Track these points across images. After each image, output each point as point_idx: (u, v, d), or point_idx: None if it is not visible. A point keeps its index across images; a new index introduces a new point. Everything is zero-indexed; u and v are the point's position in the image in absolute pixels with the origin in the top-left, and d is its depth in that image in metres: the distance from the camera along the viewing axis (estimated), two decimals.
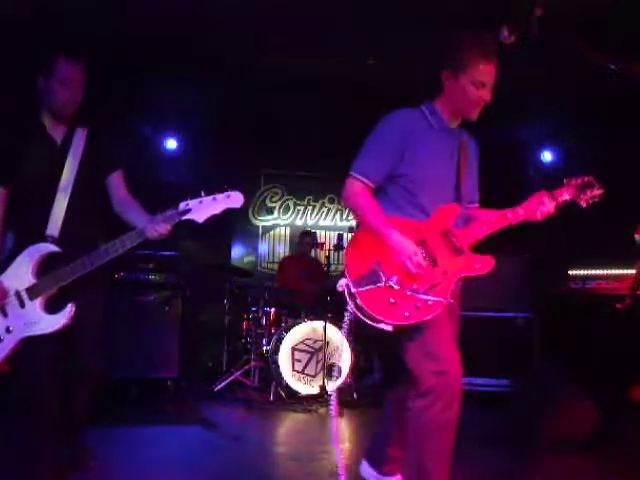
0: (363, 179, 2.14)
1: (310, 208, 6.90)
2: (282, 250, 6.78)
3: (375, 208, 2.10)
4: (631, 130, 5.12)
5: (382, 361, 5.24)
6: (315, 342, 4.84)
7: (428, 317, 1.98)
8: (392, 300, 1.98)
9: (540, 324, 4.83)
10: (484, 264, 2.07)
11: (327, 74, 5.74)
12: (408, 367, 2.07)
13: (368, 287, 1.99)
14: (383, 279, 1.99)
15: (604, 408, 3.52)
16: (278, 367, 4.70)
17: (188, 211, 2.20)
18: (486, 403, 4.61)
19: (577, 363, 4.10)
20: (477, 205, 2.35)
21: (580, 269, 4.97)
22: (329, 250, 5.25)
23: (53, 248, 2.32)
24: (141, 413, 4.22)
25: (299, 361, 4.78)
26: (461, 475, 2.87)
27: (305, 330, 4.86)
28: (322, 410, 4.46)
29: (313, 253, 6.09)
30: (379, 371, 5.44)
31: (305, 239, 5.94)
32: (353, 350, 4.85)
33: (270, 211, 6.75)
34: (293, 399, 4.67)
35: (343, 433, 4.04)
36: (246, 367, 5.09)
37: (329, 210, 6.94)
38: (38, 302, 2.28)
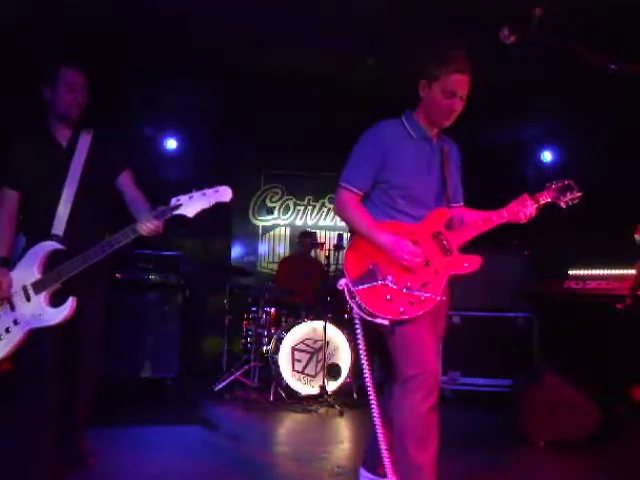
0: (350, 187, 2.29)
1: (310, 208, 6.90)
2: (282, 250, 6.78)
3: (363, 215, 2.27)
4: (631, 130, 5.12)
5: (381, 359, 5.24)
6: (315, 342, 4.84)
7: (421, 312, 2.14)
8: (388, 297, 2.13)
9: (540, 324, 4.84)
10: (471, 263, 2.24)
11: (327, 74, 5.75)
12: (393, 360, 2.22)
13: (366, 285, 2.15)
14: (379, 278, 2.15)
15: (604, 408, 3.52)
16: (278, 367, 4.70)
17: (179, 206, 2.29)
18: (486, 403, 4.61)
19: (577, 363, 4.10)
20: (461, 204, 2.50)
21: (580, 269, 4.96)
22: (329, 250, 5.25)
23: (58, 246, 2.43)
24: (141, 413, 4.22)
25: (299, 361, 4.78)
26: (460, 474, 2.88)
27: (305, 330, 4.86)
28: (322, 410, 4.46)
29: (313, 253, 6.09)
30: (379, 370, 5.44)
31: (305, 239, 5.94)
32: (353, 350, 4.85)
33: (270, 211, 6.75)
34: (293, 399, 4.67)
35: (343, 433, 4.05)
36: (246, 367, 5.09)
37: (329, 210, 6.94)
38: (43, 296, 2.39)
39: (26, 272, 2.43)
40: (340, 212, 2.34)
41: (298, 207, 6.88)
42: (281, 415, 4.37)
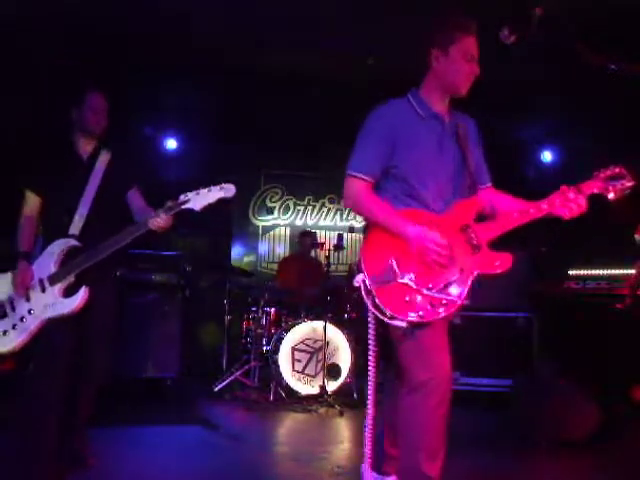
0: (361, 175, 2.11)
1: (310, 208, 6.90)
2: (282, 250, 6.78)
3: (380, 203, 2.08)
4: (631, 130, 5.12)
5: (385, 361, 5.24)
6: (315, 342, 4.84)
7: (442, 316, 1.96)
8: (407, 298, 1.96)
9: (540, 324, 4.83)
10: (503, 262, 2.03)
11: (327, 74, 5.75)
12: (400, 364, 2.08)
13: (384, 283, 1.97)
14: (399, 275, 1.97)
15: (604, 408, 3.52)
16: (278, 367, 4.70)
17: (187, 201, 2.49)
18: (486, 403, 4.61)
19: (577, 363, 4.10)
20: (489, 185, 2.31)
21: (580, 269, 4.96)
22: (329, 250, 5.24)
23: (74, 242, 2.65)
24: (141, 413, 4.22)
25: (299, 361, 4.78)
26: (461, 475, 2.88)
27: (305, 330, 4.86)
28: (322, 410, 4.46)
29: (313, 253, 6.09)
30: (381, 372, 5.44)
31: (305, 239, 5.93)
32: (353, 350, 4.85)
33: (270, 211, 6.75)
34: (293, 399, 4.67)
35: (343, 433, 4.05)
36: (246, 367, 5.09)
37: (329, 210, 6.94)
38: (57, 288, 2.58)
39: (43, 266, 2.62)
40: (352, 203, 2.14)
41: (298, 207, 6.88)
42: (281, 415, 4.37)
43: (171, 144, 6.29)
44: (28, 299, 2.59)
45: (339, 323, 4.98)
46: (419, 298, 1.95)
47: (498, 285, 4.81)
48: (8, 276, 2.63)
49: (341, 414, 4.36)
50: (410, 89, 2.21)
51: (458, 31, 2.09)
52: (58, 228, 2.68)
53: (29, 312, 2.57)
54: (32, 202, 2.78)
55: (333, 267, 5.72)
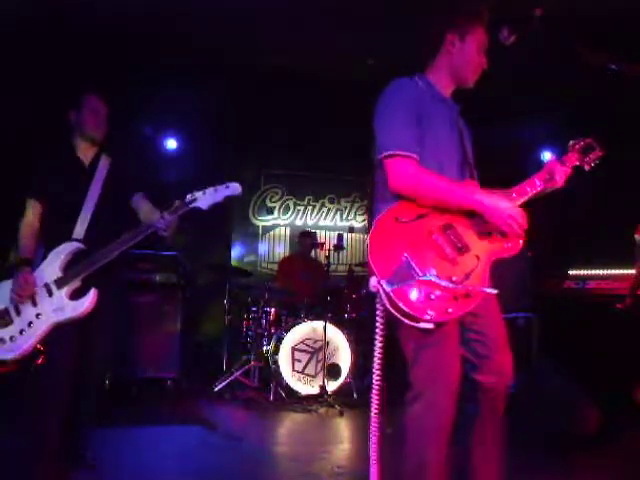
0: (408, 153, 1.86)
1: (310, 208, 6.90)
2: (282, 250, 6.78)
3: (441, 179, 1.88)
4: (631, 130, 5.12)
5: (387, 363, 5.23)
6: (315, 342, 4.84)
7: (470, 308, 1.83)
8: (432, 296, 1.77)
9: (540, 324, 4.84)
10: (513, 244, 1.94)
11: (327, 74, 5.75)
12: (409, 366, 1.97)
13: (403, 284, 1.77)
14: (419, 273, 1.78)
15: (604, 408, 3.52)
16: (278, 367, 4.70)
17: (194, 201, 2.50)
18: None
19: (577, 363, 4.10)
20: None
21: (580, 269, 4.97)
22: (329, 250, 5.24)
23: (80, 246, 2.64)
24: (141, 413, 4.22)
25: (299, 361, 4.78)
26: (460, 475, 2.88)
27: (305, 330, 4.86)
28: (322, 410, 4.46)
29: (313, 253, 6.09)
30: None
31: (305, 239, 5.93)
32: (353, 350, 4.85)
33: (270, 211, 6.75)
34: (293, 399, 4.67)
35: (343, 433, 4.05)
36: (246, 367, 5.09)
37: (329, 210, 6.94)
38: (64, 291, 2.55)
39: (49, 271, 2.59)
40: (407, 186, 1.86)
41: (298, 207, 6.87)
42: (281, 415, 4.37)
43: (171, 144, 6.29)
44: (35, 304, 2.55)
45: (339, 323, 4.99)
46: (443, 294, 1.79)
47: (498, 285, 4.81)
48: (10, 284, 2.59)
49: (341, 414, 4.36)
50: (415, 73, 2.10)
51: (476, 20, 2.01)
52: (61, 233, 2.66)
53: (37, 316, 2.54)
54: (34, 209, 2.74)
55: (333, 267, 5.72)
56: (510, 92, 5.43)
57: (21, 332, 2.53)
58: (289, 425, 4.21)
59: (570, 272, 5.00)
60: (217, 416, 4.26)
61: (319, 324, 4.84)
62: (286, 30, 4.99)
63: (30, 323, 2.53)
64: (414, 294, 1.78)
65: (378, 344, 1.91)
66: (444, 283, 1.78)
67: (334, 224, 6.93)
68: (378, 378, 1.94)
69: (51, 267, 2.60)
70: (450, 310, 1.78)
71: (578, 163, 2.13)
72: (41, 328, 2.52)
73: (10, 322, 2.55)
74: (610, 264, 4.82)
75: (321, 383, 4.69)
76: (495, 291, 1.88)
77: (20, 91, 4.93)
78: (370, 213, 2.10)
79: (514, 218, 1.85)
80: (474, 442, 2.06)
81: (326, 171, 6.56)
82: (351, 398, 4.77)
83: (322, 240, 6.42)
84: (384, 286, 1.77)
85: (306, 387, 4.74)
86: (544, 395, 3.61)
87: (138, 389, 4.69)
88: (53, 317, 2.52)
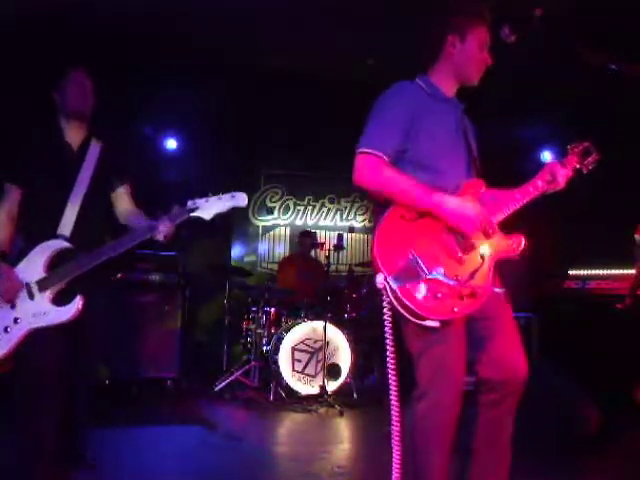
0: (376, 152, 1.91)
1: (310, 208, 6.90)
2: (282, 250, 6.78)
3: (404, 177, 1.88)
4: (631, 130, 5.12)
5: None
6: (315, 342, 4.84)
7: (476, 307, 1.85)
8: (439, 294, 1.79)
9: (540, 324, 4.83)
10: (517, 243, 1.95)
11: (327, 74, 5.75)
12: (415, 365, 1.96)
13: (410, 282, 1.78)
14: (426, 272, 1.79)
15: (604, 408, 3.52)
16: (278, 367, 4.70)
17: (195, 209, 2.30)
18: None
19: (577, 363, 4.10)
20: None
21: (580, 269, 4.97)
22: (329, 250, 5.24)
23: (66, 244, 2.39)
24: (141, 413, 4.22)
25: (299, 361, 4.78)
26: (460, 474, 2.88)
27: (305, 330, 4.86)
28: (322, 410, 4.46)
29: (313, 253, 6.09)
30: (380, 372, 5.44)
31: (305, 239, 5.94)
32: (353, 350, 4.85)
33: (270, 211, 6.75)
34: (293, 399, 4.67)
35: (343, 433, 4.05)
36: (246, 367, 5.09)
37: (329, 210, 6.94)
38: (47, 294, 2.32)
39: (30, 270, 2.35)
40: (367, 182, 1.93)
41: (298, 207, 6.87)
42: (281, 415, 4.37)
43: (171, 144, 6.29)
44: (13, 306, 2.31)
45: (339, 323, 4.99)
46: (449, 292, 1.81)
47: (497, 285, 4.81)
48: None
49: (341, 414, 4.36)
50: (417, 74, 2.12)
51: (476, 18, 2.03)
52: (45, 226, 2.41)
53: (15, 321, 2.29)
54: (12, 195, 2.47)
55: (333, 267, 5.72)
56: (510, 92, 5.43)
57: None
58: (289, 425, 4.21)
59: (570, 272, 5.00)
60: (217, 416, 4.27)
61: (319, 324, 4.84)
62: (286, 30, 4.99)
63: (7, 328, 2.29)
64: (420, 292, 1.79)
65: (389, 342, 1.88)
66: (451, 282, 1.80)
67: (334, 224, 6.93)
68: (394, 376, 1.90)
69: (33, 266, 2.34)
70: (456, 309, 1.80)
71: (578, 166, 2.17)
72: (18, 335, 2.29)
73: None
74: (610, 264, 4.82)
75: (321, 383, 4.69)
76: (501, 290, 1.91)
77: (20, 91, 4.93)
78: (374, 211, 2.11)
79: (477, 221, 1.85)
80: (481, 443, 2.06)
81: (326, 171, 6.55)
82: (351, 398, 4.77)
83: (322, 240, 6.42)
84: (391, 283, 1.77)
85: (306, 387, 4.74)
86: (544, 395, 3.61)
87: (138, 389, 4.69)
88: (33, 322, 2.29)
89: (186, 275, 5.22)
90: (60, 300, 2.33)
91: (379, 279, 1.79)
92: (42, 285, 2.32)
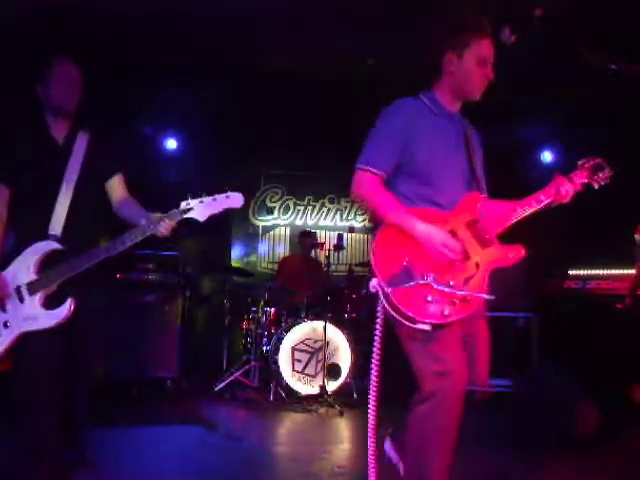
0: (372, 169, 2.02)
1: (310, 208, 6.90)
2: (282, 250, 6.77)
3: (390, 200, 2.00)
4: (631, 130, 5.12)
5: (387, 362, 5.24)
6: (315, 342, 4.84)
7: (468, 313, 1.90)
8: (429, 298, 1.87)
9: (540, 324, 4.84)
10: (516, 253, 2.00)
11: (327, 74, 5.75)
12: (413, 368, 2.00)
13: (402, 286, 1.86)
14: (417, 277, 1.88)
15: (604, 408, 3.53)
16: (278, 367, 4.70)
17: (189, 210, 2.24)
18: (486, 403, 4.61)
19: (577, 363, 4.11)
20: (485, 195, 2.25)
21: (580, 269, 4.97)
22: (329, 250, 5.24)
23: (57, 245, 2.34)
24: (141, 413, 4.22)
25: (299, 361, 4.78)
26: (460, 475, 2.88)
27: (305, 330, 4.86)
28: (322, 410, 4.46)
29: (313, 253, 6.09)
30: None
31: (305, 239, 5.93)
32: (353, 350, 4.85)
33: (270, 211, 6.75)
34: (293, 399, 4.67)
35: (343, 433, 4.05)
36: (246, 367, 5.09)
37: (329, 210, 6.94)
38: (37, 297, 2.29)
39: (21, 272, 2.31)
40: (361, 197, 2.04)
41: (298, 207, 6.87)
42: (281, 415, 4.37)
43: (171, 144, 6.29)
44: (4, 309, 2.28)
45: (339, 323, 4.98)
46: (441, 297, 1.88)
47: (498, 285, 4.82)
48: None
49: (341, 414, 4.36)
50: (421, 90, 2.17)
51: (473, 34, 2.05)
52: (35, 226, 2.37)
53: (5, 325, 2.26)
54: (1, 196, 2.43)
55: (333, 267, 5.72)
56: (510, 92, 5.43)
57: None
58: (289, 425, 4.21)
59: (570, 272, 5.00)
60: (217, 416, 4.27)
61: (319, 324, 4.83)
62: (286, 30, 4.99)
63: None
64: (411, 296, 1.87)
65: (377, 344, 1.99)
66: (441, 287, 1.88)
67: (334, 224, 6.93)
68: (375, 377, 2.00)
69: (24, 268, 2.31)
70: (447, 313, 1.87)
71: (587, 181, 2.21)
72: (8, 339, 2.26)
73: None
74: (610, 264, 4.82)
75: (321, 383, 4.69)
76: (492, 297, 1.94)
77: (20, 91, 4.93)
78: (374, 221, 2.17)
79: (444, 246, 1.91)
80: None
81: (326, 171, 6.55)
82: (351, 398, 4.77)
83: (322, 240, 6.41)
84: (383, 287, 1.87)
85: (306, 387, 4.74)
86: (544, 395, 3.61)
87: (138, 389, 4.70)
88: (23, 326, 2.26)
89: (186, 275, 5.22)
90: (51, 303, 2.29)
91: (373, 283, 1.90)
92: (32, 288, 2.29)
